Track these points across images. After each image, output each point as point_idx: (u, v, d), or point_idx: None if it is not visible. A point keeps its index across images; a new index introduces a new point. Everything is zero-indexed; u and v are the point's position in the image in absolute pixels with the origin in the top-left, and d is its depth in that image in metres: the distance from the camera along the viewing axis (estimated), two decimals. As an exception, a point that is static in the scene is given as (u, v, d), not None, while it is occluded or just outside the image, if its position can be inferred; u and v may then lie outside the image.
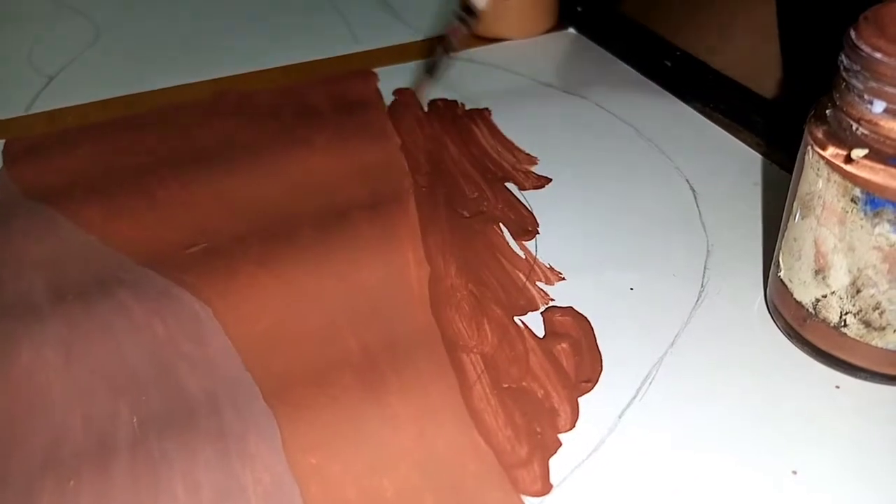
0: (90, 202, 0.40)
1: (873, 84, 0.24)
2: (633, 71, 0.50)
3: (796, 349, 0.30)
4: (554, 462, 0.26)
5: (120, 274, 0.35)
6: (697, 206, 0.38)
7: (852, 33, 0.25)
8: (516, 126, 0.45)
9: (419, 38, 0.56)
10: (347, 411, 0.28)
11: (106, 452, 0.27)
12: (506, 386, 0.29)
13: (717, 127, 0.44)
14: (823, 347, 0.29)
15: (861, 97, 0.24)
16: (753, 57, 0.45)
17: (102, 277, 0.35)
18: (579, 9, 0.56)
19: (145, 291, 0.34)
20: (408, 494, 0.25)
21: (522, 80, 0.50)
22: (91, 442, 0.28)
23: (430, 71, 0.47)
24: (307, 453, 0.27)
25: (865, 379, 0.28)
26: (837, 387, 0.28)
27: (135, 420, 0.28)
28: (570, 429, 0.27)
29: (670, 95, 0.47)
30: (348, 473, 0.26)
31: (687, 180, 0.40)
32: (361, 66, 0.52)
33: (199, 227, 0.38)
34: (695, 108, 0.45)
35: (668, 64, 0.49)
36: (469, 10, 0.45)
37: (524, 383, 0.29)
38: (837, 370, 0.29)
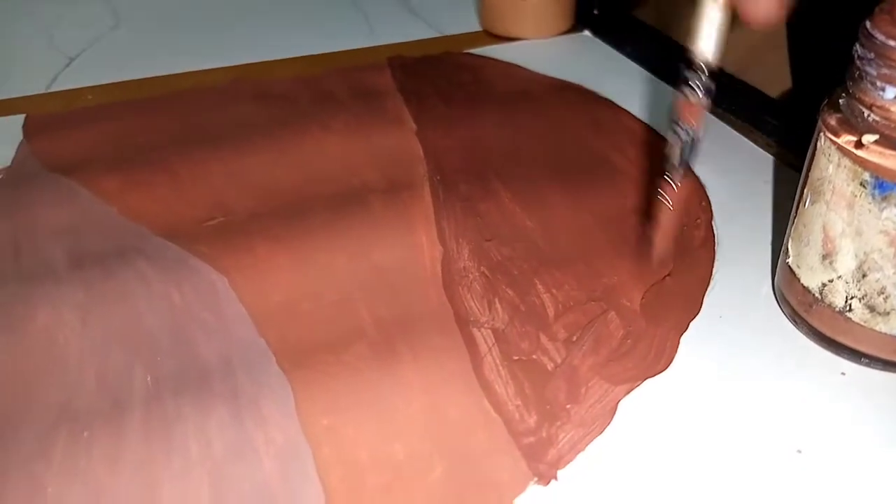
0: (109, 175, 0.41)
1: (886, 71, 0.24)
2: (647, 73, 0.51)
3: (802, 336, 0.30)
4: (562, 432, 0.27)
5: (138, 243, 0.36)
6: (709, 200, 0.39)
7: (867, 23, 0.25)
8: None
9: (434, 34, 0.57)
10: (360, 378, 0.29)
11: (120, 408, 0.28)
12: (516, 358, 0.29)
13: (729, 128, 0.44)
14: (828, 333, 0.29)
15: (874, 84, 0.25)
16: (766, 60, 0.46)
17: (121, 246, 0.36)
18: (595, 12, 0.57)
19: (163, 260, 0.35)
20: (418, 459, 0.26)
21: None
22: (106, 398, 0.28)
23: (679, 163, 0.31)
24: (320, 416, 0.27)
25: (869, 365, 0.29)
26: (843, 374, 0.29)
27: (149, 379, 0.29)
28: (580, 401, 0.28)
29: (683, 97, 0.47)
30: (360, 437, 0.27)
31: (698, 177, 0.40)
32: (378, 60, 0.53)
33: (216, 203, 0.39)
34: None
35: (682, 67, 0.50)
36: (699, 68, 0.30)
37: (534, 356, 0.29)
38: (843, 357, 0.29)
